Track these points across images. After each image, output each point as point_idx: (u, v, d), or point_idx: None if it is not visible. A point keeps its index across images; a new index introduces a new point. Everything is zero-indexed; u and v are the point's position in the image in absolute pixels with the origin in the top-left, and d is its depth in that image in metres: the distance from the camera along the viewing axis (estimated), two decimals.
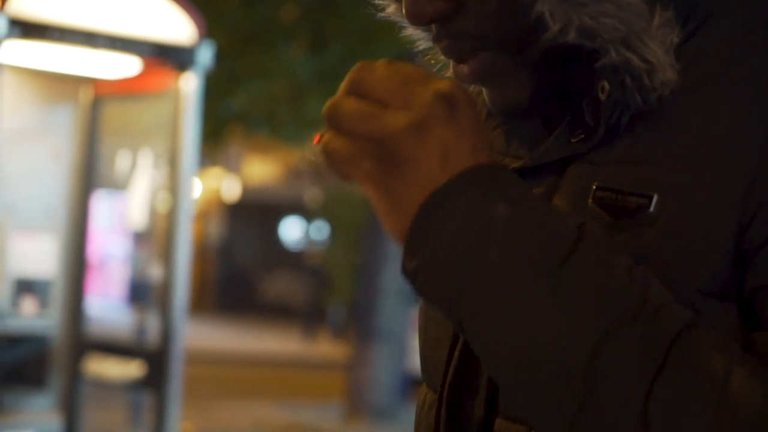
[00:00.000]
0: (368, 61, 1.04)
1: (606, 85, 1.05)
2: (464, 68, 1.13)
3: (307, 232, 27.09)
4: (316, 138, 1.02)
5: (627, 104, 1.05)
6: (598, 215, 1.04)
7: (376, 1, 1.21)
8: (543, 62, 1.09)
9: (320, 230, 25.49)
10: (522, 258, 0.96)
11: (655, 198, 1.01)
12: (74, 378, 5.88)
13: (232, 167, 27.58)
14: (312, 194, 24.61)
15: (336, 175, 1.02)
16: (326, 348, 20.80)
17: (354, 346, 12.84)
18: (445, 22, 1.10)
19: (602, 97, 1.05)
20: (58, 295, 5.82)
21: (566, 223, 0.98)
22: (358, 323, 12.91)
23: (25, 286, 5.68)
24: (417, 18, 1.10)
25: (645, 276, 0.97)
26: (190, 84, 5.55)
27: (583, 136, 1.08)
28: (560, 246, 0.96)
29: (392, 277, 12.46)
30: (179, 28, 5.52)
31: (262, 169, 28.40)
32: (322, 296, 23.20)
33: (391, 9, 1.19)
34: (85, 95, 5.95)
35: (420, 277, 0.99)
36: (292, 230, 28.29)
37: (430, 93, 0.99)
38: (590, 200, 1.05)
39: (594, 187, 1.05)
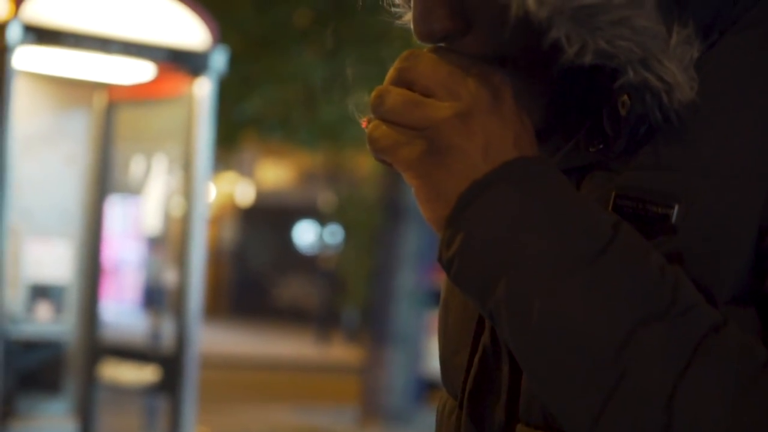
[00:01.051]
0: (415, 49, 1.05)
1: (627, 99, 1.05)
2: None
3: (320, 236, 27.09)
4: (364, 123, 1.05)
5: (647, 118, 1.05)
6: None
7: (393, 9, 1.21)
8: (559, 80, 1.08)
9: (334, 234, 25.49)
10: (557, 250, 0.97)
11: (677, 208, 1.01)
12: (89, 383, 5.89)
13: (246, 171, 27.60)
14: (325, 198, 24.62)
15: (379, 161, 1.04)
16: (340, 352, 20.79)
17: (368, 349, 12.83)
18: (454, 41, 1.10)
19: (623, 112, 1.05)
20: (72, 301, 5.84)
21: (602, 219, 0.99)
22: (373, 327, 12.90)
23: (40, 292, 5.69)
24: (425, 36, 1.10)
25: (677, 275, 0.97)
26: (203, 89, 5.56)
27: (601, 146, 1.08)
28: (595, 240, 0.97)
29: (406, 281, 12.45)
30: (193, 34, 5.53)
31: (275, 173, 28.42)
32: (336, 300, 23.20)
33: (407, 17, 1.19)
34: (100, 101, 5.96)
35: (455, 265, 1.01)
36: (305, 234, 28.29)
37: (475, 82, 1.01)
38: (610, 208, 1.04)
39: (613, 194, 1.05)
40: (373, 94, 1.03)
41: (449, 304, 1.25)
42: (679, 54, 1.03)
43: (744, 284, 1.00)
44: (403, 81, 1.03)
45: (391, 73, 1.03)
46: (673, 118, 1.03)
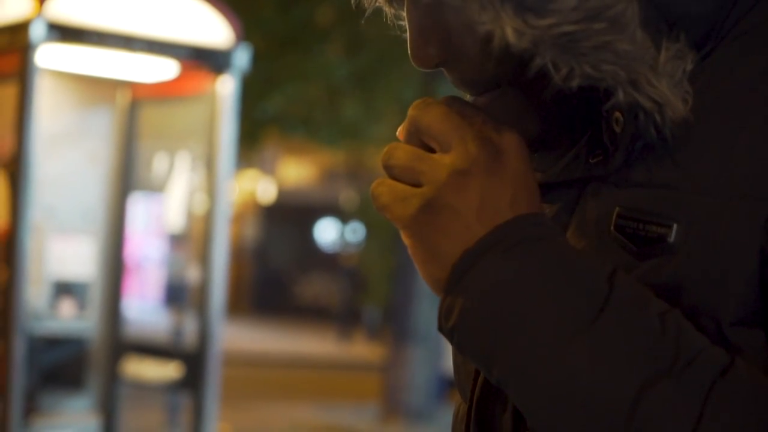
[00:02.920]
0: (428, 98, 1.06)
1: (620, 117, 1.05)
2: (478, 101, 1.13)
3: (342, 234, 27.11)
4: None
5: (641, 135, 1.05)
6: (621, 243, 1.04)
7: (400, 22, 1.21)
8: (554, 99, 1.08)
9: (355, 232, 25.50)
10: (555, 316, 0.97)
11: (675, 227, 1.01)
12: (112, 379, 5.91)
13: (268, 169, 27.64)
14: (347, 196, 24.63)
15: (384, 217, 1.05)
16: (362, 349, 20.81)
17: (390, 347, 12.84)
18: (450, 68, 1.11)
19: (617, 129, 1.05)
20: (96, 297, 5.86)
21: (597, 274, 0.99)
22: (394, 325, 12.90)
23: (64, 289, 5.72)
24: (421, 63, 1.12)
25: (678, 321, 0.97)
26: (226, 87, 5.57)
27: (601, 157, 1.08)
28: (593, 300, 0.97)
29: None
30: (216, 32, 5.54)
31: (297, 171, 28.45)
32: (357, 298, 23.21)
33: None
34: (123, 98, 5.99)
35: (456, 338, 1.01)
36: (327, 232, 28.32)
37: (478, 139, 1.01)
38: (612, 227, 1.05)
39: (615, 214, 1.05)
40: (385, 149, 1.04)
41: None
42: (670, 70, 1.03)
43: (750, 306, 0.99)
44: (414, 130, 1.03)
45: (405, 122, 1.04)
46: (667, 135, 1.03)
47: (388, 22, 1.22)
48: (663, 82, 1.02)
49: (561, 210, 1.11)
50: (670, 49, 1.04)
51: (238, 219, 26.98)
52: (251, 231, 28.94)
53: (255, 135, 12.36)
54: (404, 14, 1.18)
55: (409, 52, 1.11)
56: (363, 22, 1.26)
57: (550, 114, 1.11)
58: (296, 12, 10.78)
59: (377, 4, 1.19)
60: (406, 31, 1.20)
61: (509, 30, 1.01)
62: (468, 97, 1.14)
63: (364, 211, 22.23)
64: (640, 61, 1.02)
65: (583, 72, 1.02)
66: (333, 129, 12.49)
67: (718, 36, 1.07)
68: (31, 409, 5.47)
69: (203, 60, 5.55)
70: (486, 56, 1.07)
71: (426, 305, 12.43)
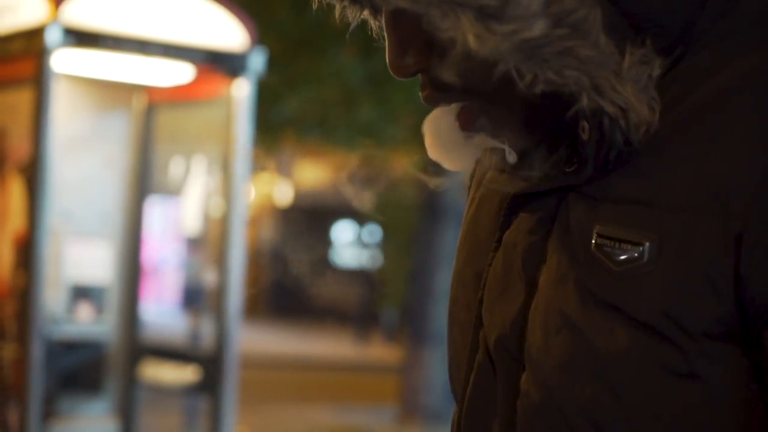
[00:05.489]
0: None
1: (586, 125, 1.05)
2: (457, 120, 1.14)
3: (359, 236, 27.10)
4: None
5: (609, 142, 1.04)
6: (602, 262, 1.05)
7: (383, 34, 1.22)
8: (529, 107, 1.09)
9: (372, 234, 25.48)
10: None
11: (648, 246, 1.01)
12: (130, 383, 5.92)
13: (284, 172, 27.65)
14: (364, 198, 24.63)
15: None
16: (379, 351, 20.79)
17: (407, 349, 12.83)
18: (426, 75, 1.12)
19: (584, 137, 1.05)
20: (113, 301, 5.87)
21: None
22: (411, 326, 12.90)
23: (81, 292, 5.73)
24: (399, 72, 1.13)
25: None
26: (242, 90, 5.58)
27: (576, 165, 1.08)
28: None
29: (445, 280, 12.43)
30: (231, 35, 5.55)
31: (313, 174, 28.46)
32: (374, 300, 23.20)
33: None
34: (139, 102, 6.00)
35: None
36: (344, 234, 28.31)
37: None
38: (593, 246, 1.05)
39: (595, 233, 1.05)
40: None
41: (453, 316, 1.26)
42: (634, 75, 1.03)
43: (726, 321, 0.99)
44: None
45: None
46: (634, 141, 1.03)
47: (374, 35, 1.23)
48: (627, 87, 1.02)
49: (542, 219, 1.11)
50: (635, 54, 1.03)
51: (254, 222, 27.00)
52: (268, 234, 28.95)
53: (271, 138, 12.37)
54: None
55: (387, 61, 1.12)
56: (348, 36, 1.27)
57: (527, 123, 1.10)
58: (311, 14, 10.77)
59: (362, 16, 1.20)
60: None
61: (471, 36, 1.01)
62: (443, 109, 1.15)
63: (380, 214, 22.22)
64: (604, 67, 1.02)
65: (546, 78, 1.02)
66: (349, 131, 12.49)
67: (687, 42, 1.06)
68: (49, 413, 5.48)
69: (219, 63, 5.55)
70: (453, 63, 1.07)
71: (443, 307, 12.37)
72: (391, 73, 1.13)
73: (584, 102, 1.02)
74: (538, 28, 1.00)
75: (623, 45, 1.04)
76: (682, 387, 1.01)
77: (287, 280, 28.26)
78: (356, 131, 12.41)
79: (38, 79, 5.01)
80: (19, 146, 5.28)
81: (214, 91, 5.80)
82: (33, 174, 5.06)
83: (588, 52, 1.01)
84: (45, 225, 5.05)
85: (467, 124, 1.14)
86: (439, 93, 1.13)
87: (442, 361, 12.55)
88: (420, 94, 1.15)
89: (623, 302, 1.02)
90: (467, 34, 1.01)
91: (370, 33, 1.25)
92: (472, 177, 1.32)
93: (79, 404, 5.72)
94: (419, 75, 1.15)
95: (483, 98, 1.10)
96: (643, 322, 1.01)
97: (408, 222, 17.04)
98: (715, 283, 0.99)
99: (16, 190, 5.26)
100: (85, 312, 5.74)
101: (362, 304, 23.95)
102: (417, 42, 1.10)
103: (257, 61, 5.56)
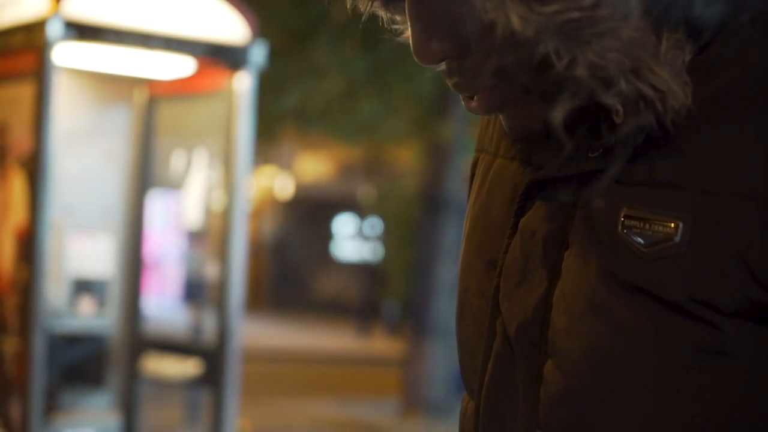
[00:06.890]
0: None
1: (620, 108, 1.04)
2: (474, 103, 1.13)
3: (360, 229, 27.11)
4: None
5: (643, 126, 1.04)
6: (630, 243, 1.04)
7: (393, 26, 1.21)
8: (556, 90, 1.07)
9: (374, 227, 25.50)
10: None
11: (681, 226, 1.01)
12: (132, 377, 5.92)
13: (286, 165, 27.65)
14: (365, 191, 24.62)
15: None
16: (381, 344, 20.81)
17: (409, 342, 12.83)
18: (454, 61, 1.10)
19: (618, 120, 1.04)
20: (115, 295, 5.87)
21: None
22: (413, 319, 12.90)
23: (83, 286, 5.73)
24: (425, 60, 1.11)
25: None
26: (243, 83, 5.57)
27: (600, 151, 1.07)
28: None
29: (447, 273, 12.44)
30: (232, 28, 5.54)
31: (315, 167, 28.46)
32: (376, 293, 23.21)
33: (407, 34, 1.19)
34: (140, 96, 5.99)
35: None
36: (345, 227, 28.32)
37: None
38: (620, 228, 1.04)
39: (622, 215, 1.05)
40: None
41: (464, 305, 1.25)
42: (671, 59, 1.03)
43: (752, 300, 0.99)
44: None
45: None
46: (668, 125, 1.02)
47: (384, 26, 1.22)
48: (665, 71, 1.02)
49: (561, 205, 1.10)
50: (671, 38, 1.03)
51: (256, 215, 27.01)
52: (269, 227, 28.96)
53: (272, 131, 12.36)
54: (399, 17, 1.17)
55: (412, 49, 1.11)
56: (360, 27, 1.25)
57: (553, 106, 1.10)
58: (312, 7, 10.78)
59: (373, 8, 1.19)
60: (401, 34, 1.19)
61: (514, 17, 1.00)
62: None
63: (382, 206, 22.22)
64: (644, 48, 1.02)
65: (587, 60, 1.01)
66: (350, 124, 12.48)
67: (714, 27, 1.06)
68: (51, 407, 5.48)
69: (220, 56, 5.55)
70: (489, 47, 1.06)
71: (445, 299, 12.42)
72: (417, 61, 1.11)
73: (622, 86, 1.02)
74: (581, 8, 1.00)
75: (659, 29, 1.03)
76: (711, 363, 1.01)
77: (289, 273, 28.28)
78: (357, 124, 12.40)
79: (39, 73, 5.01)
80: (20, 140, 5.27)
81: (215, 84, 5.80)
82: (34, 168, 5.05)
83: (630, 33, 1.01)
84: (46, 219, 5.05)
85: (486, 109, 1.13)
86: (469, 79, 1.11)
87: (444, 353, 12.59)
88: (447, 81, 1.14)
89: (652, 284, 1.02)
90: (511, 15, 1.00)
91: (371, 26, 1.24)
92: (474, 165, 1.31)
93: (81, 398, 5.73)
94: (444, 63, 1.13)
95: (515, 83, 1.09)
96: (672, 303, 1.01)
97: (409, 215, 17.04)
98: (748, 263, 0.99)
99: (17, 183, 5.26)
100: (86, 306, 5.74)
101: (364, 297, 23.96)
102: (443, 28, 1.09)
103: (258, 54, 5.55)
